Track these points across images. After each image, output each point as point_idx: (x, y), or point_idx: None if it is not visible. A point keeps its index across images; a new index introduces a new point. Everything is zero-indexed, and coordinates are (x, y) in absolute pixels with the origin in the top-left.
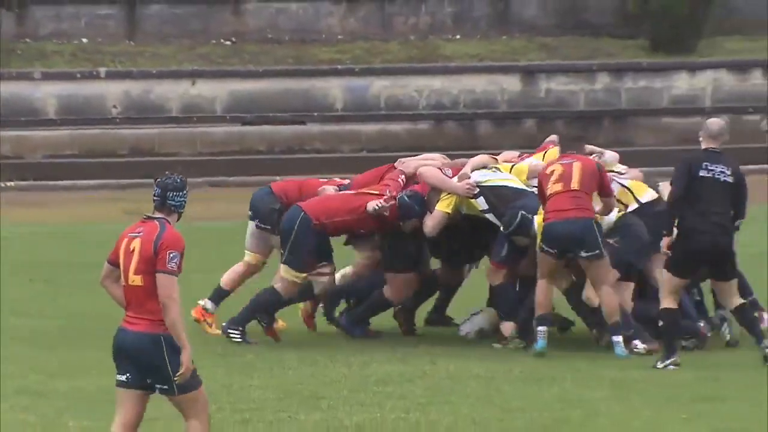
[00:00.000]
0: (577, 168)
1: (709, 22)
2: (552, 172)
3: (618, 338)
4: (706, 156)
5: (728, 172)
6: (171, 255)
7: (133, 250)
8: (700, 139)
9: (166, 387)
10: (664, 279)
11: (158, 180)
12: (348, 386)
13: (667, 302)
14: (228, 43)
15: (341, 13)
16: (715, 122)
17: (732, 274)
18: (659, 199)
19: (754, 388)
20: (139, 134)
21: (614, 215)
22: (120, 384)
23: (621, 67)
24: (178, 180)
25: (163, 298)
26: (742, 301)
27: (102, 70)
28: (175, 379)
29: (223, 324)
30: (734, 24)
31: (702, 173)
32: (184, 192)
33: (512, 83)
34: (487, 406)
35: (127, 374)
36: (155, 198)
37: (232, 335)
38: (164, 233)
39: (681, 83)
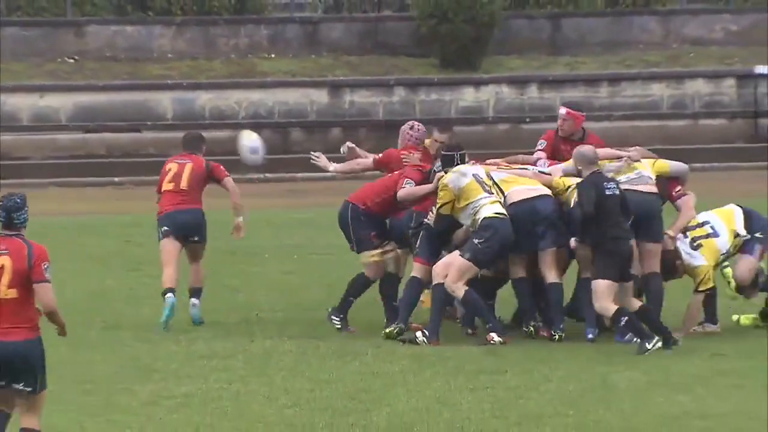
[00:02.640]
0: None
1: (491, 43)
2: None
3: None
4: (601, 177)
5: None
6: (45, 266)
7: (2, 267)
8: (579, 167)
9: (30, 388)
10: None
11: (1, 202)
12: (177, 361)
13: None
14: (72, 60)
15: (171, 35)
16: (590, 149)
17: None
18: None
19: (534, 362)
20: None
21: None
22: None
23: (415, 82)
24: (19, 200)
25: (50, 305)
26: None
27: None
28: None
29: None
30: (514, 45)
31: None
32: (26, 209)
33: (321, 96)
34: (298, 378)
35: (16, 381)
36: (1, 219)
37: (333, 321)
38: (34, 248)
39: (467, 96)
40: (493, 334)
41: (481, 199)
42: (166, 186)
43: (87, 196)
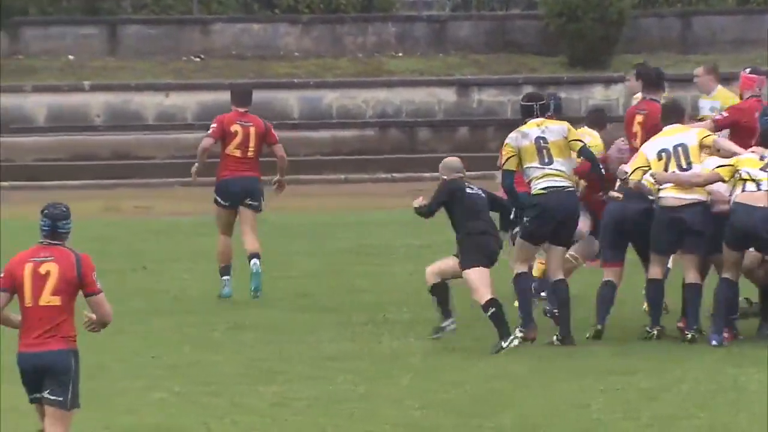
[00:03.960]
0: None
1: (620, 41)
2: None
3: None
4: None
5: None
6: (95, 276)
7: (47, 273)
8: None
9: (61, 399)
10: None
11: (46, 211)
12: (303, 362)
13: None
14: (197, 59)
15: (297, 33)
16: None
17: None
18: None
19: (663, 361)
20: (119, 140)
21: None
22: (37, 401)
23: (543, 80)
24: (64, 209)
25: (106, 317)
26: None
27: (86, 83)
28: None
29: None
30: (643, 43)
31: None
32: (70, 219)
33: (448, 95)
34: (426, 380)
35: (47, 390)
36: (45, 228)
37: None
38: (82, 258)
39: (597, 94)
40: (518, 329)
41: (533, 168)
42: (232, 151)
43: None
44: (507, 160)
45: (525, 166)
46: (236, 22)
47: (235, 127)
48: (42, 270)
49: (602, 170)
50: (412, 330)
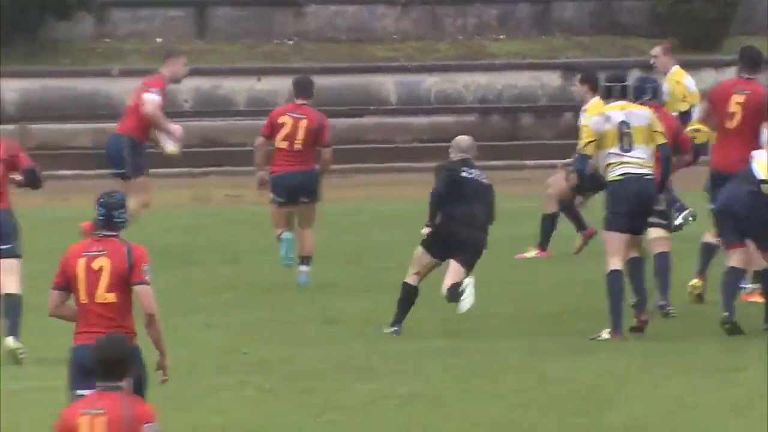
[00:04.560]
0: None
1: (734, 23)
2: None
3: None
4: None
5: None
6: (146, 268)
7: (100, 269)
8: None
9: None
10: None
11: (101, 199)
12: (398, 358)
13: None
14: (290, 42)
15: (395, 15)
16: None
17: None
18: None
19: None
20: (208, 126)
21: None
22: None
23: (652, 64)
24: (120, 198)
25: (149, 309)
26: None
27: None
28: (164, 379)
29: None
30: (759, 24)
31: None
32: (126, 208)
33: (552, 79)
34: (526, 376)
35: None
36: (100, 217)
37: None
38: (134, 249)
39: (708, 78)
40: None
41: (612, 154)
42: (279, 143)
43: None
44: (587, 144)
45: (604, 152)
46: (331, 4)
47: (284, 119)
48: (95, 265)
49: (668, 175)
50: (514, 325)
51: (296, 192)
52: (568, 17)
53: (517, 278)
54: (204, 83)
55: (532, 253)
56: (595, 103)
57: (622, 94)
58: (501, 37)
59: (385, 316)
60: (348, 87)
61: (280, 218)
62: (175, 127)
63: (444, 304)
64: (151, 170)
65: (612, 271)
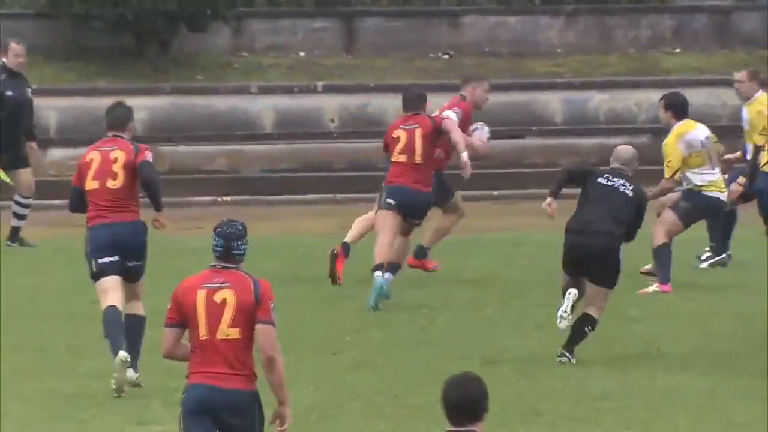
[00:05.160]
0: None
1: None
2: None
3: None
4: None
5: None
6: (272, 305)
7: (223, 302)
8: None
9: None
10: None
11: (219, 230)
12: (567, 401)
13: None
14: (445, 56)
15: (560, 26)
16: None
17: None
18: None
19: None
20: (356, 148)
21: None
22: None
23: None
24: (240, 227)
25: (270, 351)
26: None
27: (319, 83)
28: (282, 430)
29: None
30: None
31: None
32: (246, 239)
33: (733, 97)
34: (708, 422)
35: None
36: (218, 248)
37: None
38: (260, 283)
39: None
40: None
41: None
42: (397, 157)
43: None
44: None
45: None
46: (490, 15)
47: (398, 132)
48: (217, 298)
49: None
50: (693, 364)
51: (408, 210)
52: (749, 29)
53: (691, 312)
54: (351, 101)
55: (652, 287)
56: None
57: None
58: (676, 50)
59: (551, 356)
60: (509, 105)
61: (386, 224)
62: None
63: (610, 342)
64: (292, 196)
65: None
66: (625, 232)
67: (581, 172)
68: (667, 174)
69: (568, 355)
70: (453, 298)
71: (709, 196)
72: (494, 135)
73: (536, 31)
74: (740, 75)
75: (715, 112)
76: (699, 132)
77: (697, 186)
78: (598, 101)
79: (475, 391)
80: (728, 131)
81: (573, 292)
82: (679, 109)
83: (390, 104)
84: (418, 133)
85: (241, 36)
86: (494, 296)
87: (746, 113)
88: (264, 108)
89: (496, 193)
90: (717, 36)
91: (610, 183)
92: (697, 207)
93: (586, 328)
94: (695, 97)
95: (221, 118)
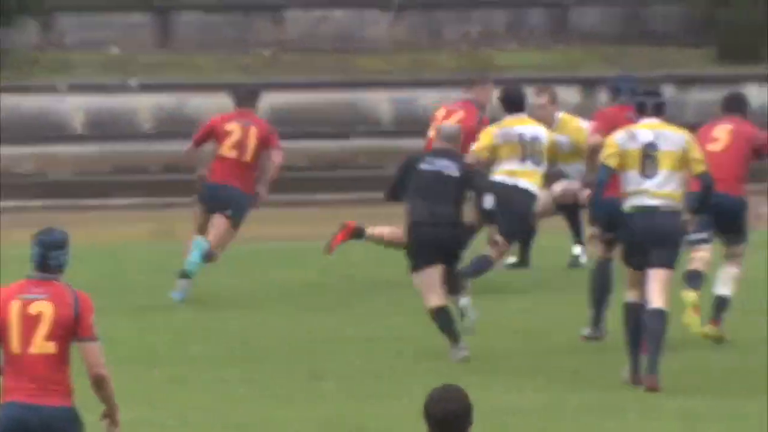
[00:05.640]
0: None
1: None
2: None
3: None
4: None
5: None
6: (93, 320)
7: (39, 315)
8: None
9: None
10: None
11: (38, 238)
12: (390, 419)
13: None
14: (267, 53)
15: (389, 21)
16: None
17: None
18: None
19: None
20: (173, 151)
21: None
22: None
23: (686, 77)
24: (60, 236)
25: (99, 369)
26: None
27: (133, 82)
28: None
29: None
30: None
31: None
32: (67, 249)
33: (571, 95)
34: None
35: None
36: (36, 258)
37: None
38: (79, 296)
39: (751, 94)
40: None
41: (632, 175)
42: (227, 152)
43: (287, 217)
44: (609, 155)
45: (623, 173)
46: (313, 8)
47: (231, 126)
48: (33, 310)
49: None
50: (531, 380)
51: (221, 205)
52: (589, 24)
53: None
54: (167, 100)
55: None
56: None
57: (657, 112)
58: (511, 47)
59: (382, 371)
60: (333, 104)
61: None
62: None
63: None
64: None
65: (625, 302)
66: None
67: (404, 169)
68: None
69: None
70: (275, 310)
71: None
72: (318, 135)
73: (363, 26)
74: (542, 100)
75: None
76: (525, 128)
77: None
78: (428, 100)
79: (460, 405)
80: None
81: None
82: (505, 103)
83: (209, 103)
84: (253, 132)
85: (51, 31)
86: (318, 307)
87: (564, 137)
88: (74, 107)
89: (319, 197)
90: (554, 32)
91: (433, 168)
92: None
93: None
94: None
95: (29, 118)
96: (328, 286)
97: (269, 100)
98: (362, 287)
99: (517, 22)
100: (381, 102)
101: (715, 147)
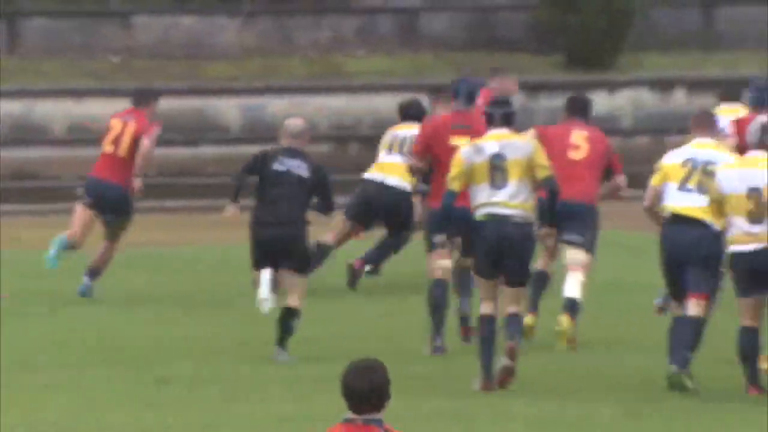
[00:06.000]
0: None
1: (629, 37)
2: None
3: None
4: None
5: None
6: None
7: None
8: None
9: None
10: None
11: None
12: (244, 423)
13: None
14: (116, 59)
15: (238, 28)
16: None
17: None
18: None
19: None
20: (20, 157)
21: None
22: None
23: (535, 84)
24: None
25: None
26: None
27: None
28: None
29: None
30: (657, 39)
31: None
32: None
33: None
34: None
35: None
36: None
37: None
38: None
39: (599, 101)
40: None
41: (482, 188)
42: (105, 147)
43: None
44: (454, 178)
45: (473, 187)
46: (163, 15)
47: (114, 122)
48: None
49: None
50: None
51: (103, 206)
52: (438, 31)
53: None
54: (15, 107)
55: None
56: None
57: (505, 122)
58: (360, 53)
59: (232, 376)
60: (183, 111)
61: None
62: None
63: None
64: None
65: (480, 315)
66: (319, 205)
67: (254, 162)
68: None
69: (281, 350)
70: (124, 316)
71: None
72: (167, 142)
73: (213, 33)
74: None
75: (398, 119)
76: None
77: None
78: (277, 107)
79: (379, 379)
80: None
81: (267, 274)
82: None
83: (57, 109)
84: (130, 127)
85: None
86: (167, 313)
87: None
88: None
89: (168, 204)
90: (403, 38)
91: (284, 168)
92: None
93: (293, 322)
94: (381, 101)
95: None
96: (172, 292)
97: (118, 107)
98: (211, 295)
99: (366, 29)
100: (230, 109)
101: (576, 155)
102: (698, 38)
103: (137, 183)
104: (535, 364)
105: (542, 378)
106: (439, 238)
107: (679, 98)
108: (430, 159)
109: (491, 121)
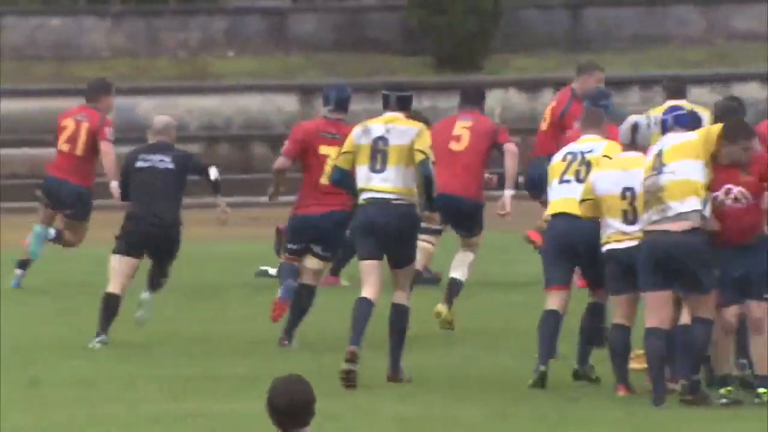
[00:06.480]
0: None
1: (496, 38)
2: None
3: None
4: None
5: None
6: None
7: None
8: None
9: None
10: None
11: None
12: (117, 424)
13: None
14: None
15: (106, 29)
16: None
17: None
18: None
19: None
20: None
21: None
22: None
23: (404, 85)
24: None
25: None
26: None
27: None
28: None
29: None
30: (524, 40)
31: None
32: None
33: (289, 102)
34: None
35: None
36: None
37: None
38: None
39: None
40: None
41: (362, 170)
42: (61, 146)
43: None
44: (341, 155)
45: (356, 168)
46: (30, 16)
47: (67, 122)
48: None
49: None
50: (248, 389)
51: (62, 204)
52: (307, 32)
53: (252, 333)
54: None
55: None
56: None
57: (400, 105)
58: (229, 54)
59: (104, 377)
60: (51, 113)
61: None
62: None
63: (168, 361)
64: None
65: (359, 297)
66: (211, 186)
67: (124, 164)
68: None
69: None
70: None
71: None
72: (32, 143)
73: (81, 34)
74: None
75: (268, 119)
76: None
77: None
78: (146, 108)
79: (304, 396)
80: (285, 138)
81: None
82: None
83: None
84: (85, 126)
85: None
86: (45, 314)
87: None
88: None
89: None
90: (272, 39)
91: (146, 164)
92: None
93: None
94: (249, 102)
95: None
96: (52, 292)
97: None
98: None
99: (235, 30)
100: None
101: (457, 147)
102: (566, 39)
103: (113, 187)
104: (408, 361)
105: (415, 376)
106: (295, 246)
107: (547, 99)
108: (299, 164)
109: (387, 104)
